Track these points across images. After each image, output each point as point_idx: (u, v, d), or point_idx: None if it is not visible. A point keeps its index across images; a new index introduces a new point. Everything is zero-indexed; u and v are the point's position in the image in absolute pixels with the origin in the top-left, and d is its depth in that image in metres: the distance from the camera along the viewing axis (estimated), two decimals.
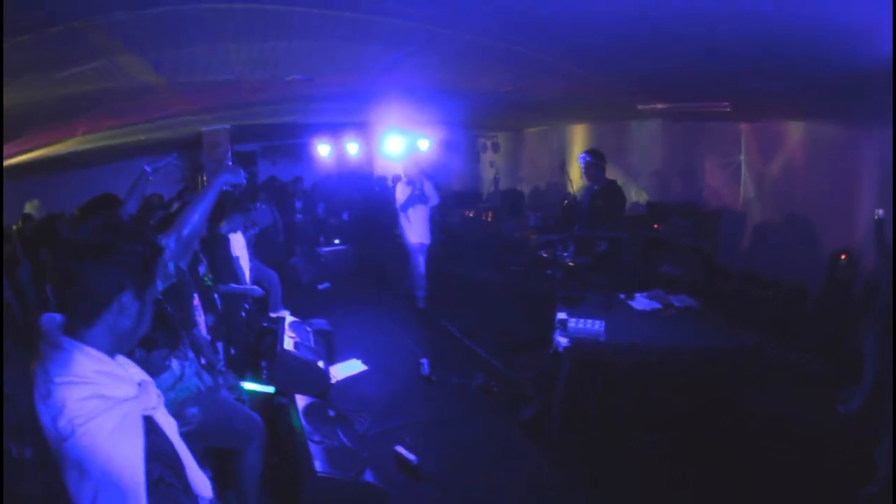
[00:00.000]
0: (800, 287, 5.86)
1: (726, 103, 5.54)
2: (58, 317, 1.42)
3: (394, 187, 11.34)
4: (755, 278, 6.30)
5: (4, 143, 4.78)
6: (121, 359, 1.47)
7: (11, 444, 1.39)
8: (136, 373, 1.48)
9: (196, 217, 2.73)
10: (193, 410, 2.84)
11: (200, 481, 1.59)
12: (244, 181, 3.04)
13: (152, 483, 1.35)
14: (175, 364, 2.90)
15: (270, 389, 4.18)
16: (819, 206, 6.05)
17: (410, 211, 7.38)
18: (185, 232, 2.66)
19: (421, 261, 7.49)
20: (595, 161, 5.80)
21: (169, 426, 1.53)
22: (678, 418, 4.24)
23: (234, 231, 5.21)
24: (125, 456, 1.32)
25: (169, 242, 2.74)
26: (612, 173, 6.19)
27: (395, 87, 5.54)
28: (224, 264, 4.97)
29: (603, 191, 5.83)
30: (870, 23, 2.75)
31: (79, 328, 1.39)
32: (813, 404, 4.78)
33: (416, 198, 7.34)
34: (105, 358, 1.39)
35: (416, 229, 7.43)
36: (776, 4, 2.66)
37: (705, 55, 3.77)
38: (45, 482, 1.32)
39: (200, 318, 3.65)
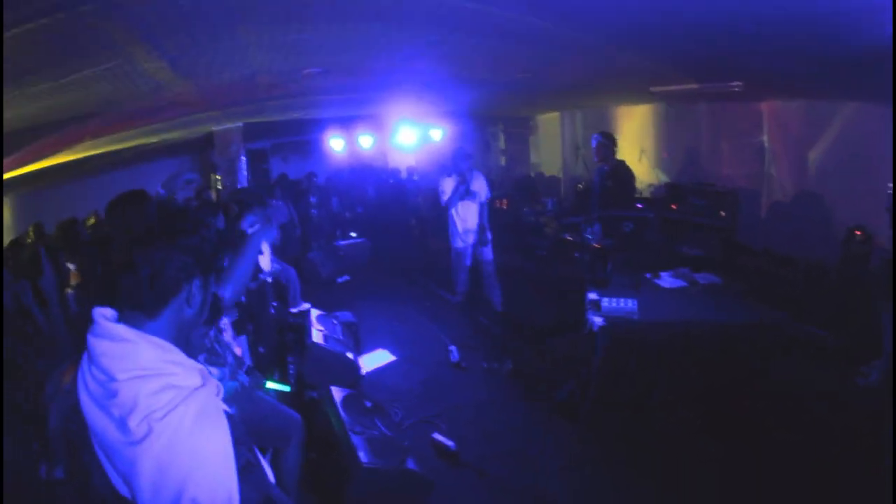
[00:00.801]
0: (817, 263, 5.88)
1: (738, 83, 5.50)
2: (109, 310, 1.32)
3: (408, 178, 11.39)
4: (774, 255, 6.31)
5: (7, 156, 4.73)
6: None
7: (41, 463, 1.32)
8: (194, 363, 1.37)
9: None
10: (232, 410, 2.81)
11: (266, 467, 1.56)
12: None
13: (241, 469, 1.26)
14: (215, 370, 2.89)
15: (286, 388, 4.09)
16: (835, 183, 6.10)
17: (459, 206, 6.75)
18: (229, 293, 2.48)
19: (465, 258, 6.95)
20: (605, 142, 5.90)
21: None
22: (708, 393, 4.29)
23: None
24: (213, 445, 1.22)
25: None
26: (626, 155, 6.21)
27: (413, 78, 5.50)
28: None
29: (612, 171, 5.91)
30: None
31: (142, 319, 1.30)
32: (833, 379, 4.82)
33: (463, 193, 6.67)
34: (172, 347, 1.31)
35: (463, 227, 6.81)
36: None
37: (720, 36, 3.75)
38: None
39: (225, 322, 3.63)
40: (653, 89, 6.47)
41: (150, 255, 1.31)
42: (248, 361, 3.84)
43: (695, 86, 5.91)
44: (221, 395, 1.40)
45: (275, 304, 5.25)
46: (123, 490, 1.22)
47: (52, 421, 1.27)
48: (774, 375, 4.53)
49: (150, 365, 1.24)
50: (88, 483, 1.24)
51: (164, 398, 1.20)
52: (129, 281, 1.30)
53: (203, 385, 1.30)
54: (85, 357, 1.28)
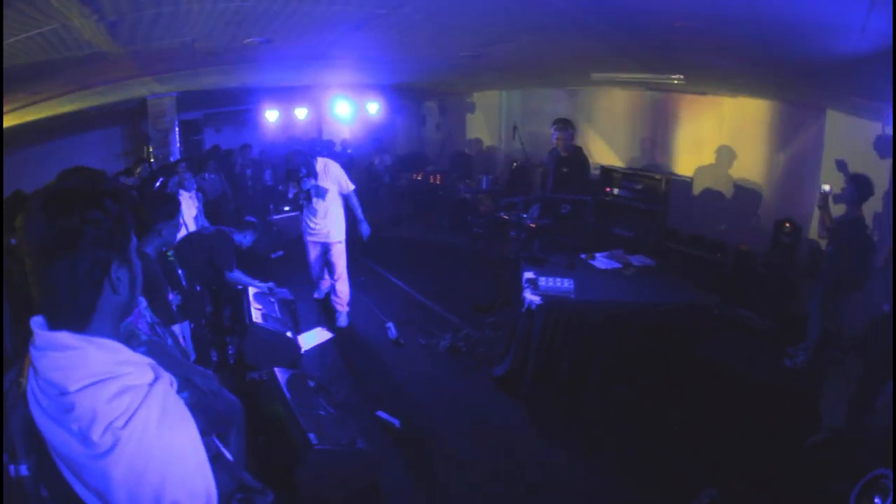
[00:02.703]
0: (746, 251, 6.29)
1: (680, 76, 5.70)
2: (41, 318, 1.20)
3: (342, 151, 11.18)
4: (705, 241, 6.65)
5: None
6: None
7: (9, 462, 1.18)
8: (142, 358, 1.26)
9: None
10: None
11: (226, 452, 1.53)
12: None
13: (212, 458, 1.21)
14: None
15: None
16: (765, 178, 6.56)
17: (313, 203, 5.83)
18: None
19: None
20: (571, 132, 5.97)
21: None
22: (642, 370, 4.55)
23: None
24: (184, 440, 1.15)
25: None
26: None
27: (355, 50, 5.39)
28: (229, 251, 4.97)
29: (570, 157, 5.98)
30: (822, 20, 2.98)
31: (78, 321, 1.18)
32: (760, 359, 5.22)
33: (313, 189, 5.75)
34: (119, 346, 1.20)
35: (323, 224, 5.86)
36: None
37: (666, 33, 3.90)
38: None
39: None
40: (594, 76, 6.60)
41: (55, 269, 1.15)
42: (190, 349, 3.74)
43: (636, 75, 6.07)
44: (176, 386, 1.30)
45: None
46: None
47: (11, 419, 1.18)
48: (705, 354, 4.84)
49: (102, 369, 1.14)
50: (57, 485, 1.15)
51: (123, 402, 1.11)
52: (47, 295, 1.17)
53: (157, 378, 1.21)
54: (31, 372, 1.17)
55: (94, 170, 1.27)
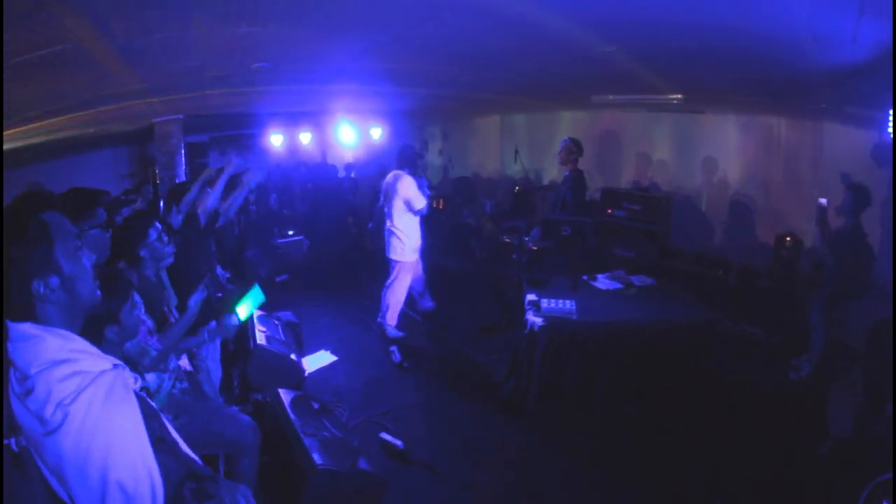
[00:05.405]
0: (748, 266, 6.31)
1: (678, 95, 5.78)
2: None
3: (345, 176, 11.25)
4: (708, 258, 6.67)
5: None
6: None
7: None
8: (104, 354, 1.40)
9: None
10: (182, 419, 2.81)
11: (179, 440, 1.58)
12: None
13: (156, 441, 1.33)
14: (152, 377, 2.83)
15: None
16: (766, 193, 6.63)
17: (406, 216, 6.08)
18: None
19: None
20: (571, 147, 6.08)
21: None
22: (646, 388, 4.54)
23: None
24: (126, 419, 1.28)
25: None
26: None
27: (359, 76, 5.47)
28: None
29: (568, 178, 6.05)
30: (815, 33, 3.02)
31: (34, 315, 1.34)
32: (765, 372, 5.21)
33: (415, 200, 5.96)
34: (74, 336, 1.36)
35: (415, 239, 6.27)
36: (740, 17, 2.90)
37: (666, 56, 3.97)
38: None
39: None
40: (594, 99, 6.68)
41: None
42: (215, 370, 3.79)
43: (635, 97, 6.15)
44: (138, 385, 1.43)
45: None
46: (61, 492, 1.25)
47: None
48: (709, 369, 4.82)
49: (57, 355, 1.27)
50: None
51: (72, 383, 1.24)
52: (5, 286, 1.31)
53: (113, 369, 1.34)
54: (11, 367, 1.30)
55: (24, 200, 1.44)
